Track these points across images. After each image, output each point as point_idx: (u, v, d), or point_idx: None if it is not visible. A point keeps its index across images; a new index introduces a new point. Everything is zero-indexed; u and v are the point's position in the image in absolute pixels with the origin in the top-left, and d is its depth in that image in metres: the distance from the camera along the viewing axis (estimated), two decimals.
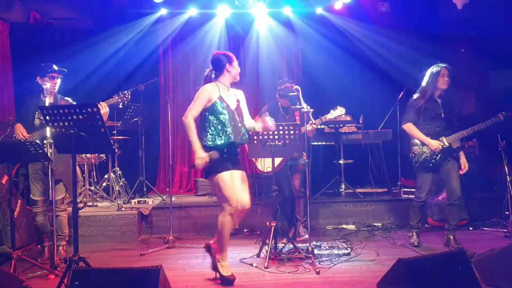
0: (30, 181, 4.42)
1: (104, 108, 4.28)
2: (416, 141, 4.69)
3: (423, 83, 4.73)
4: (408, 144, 4.89)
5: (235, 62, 3.90)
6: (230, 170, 3.71)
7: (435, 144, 4.58)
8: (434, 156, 4.59)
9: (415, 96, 4.76)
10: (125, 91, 4.86)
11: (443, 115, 4.65)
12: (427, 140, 4.62)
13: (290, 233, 5.10)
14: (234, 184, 3.72)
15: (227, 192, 3.68)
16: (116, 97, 4.76)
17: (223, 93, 3.79)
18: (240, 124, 3.81)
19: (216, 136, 3.71)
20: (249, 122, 3.98)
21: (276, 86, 5.30)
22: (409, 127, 4.72)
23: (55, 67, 4.51)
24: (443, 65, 4.65)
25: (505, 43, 6.38)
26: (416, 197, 4.81)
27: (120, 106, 5.25)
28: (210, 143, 3.71)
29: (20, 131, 4.35)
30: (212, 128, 3.73)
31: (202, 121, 3.79)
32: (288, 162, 5.05)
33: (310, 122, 4.81)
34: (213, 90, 3.77)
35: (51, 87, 4.28)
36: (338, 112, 4.93)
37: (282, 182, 5.07)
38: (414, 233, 4.85)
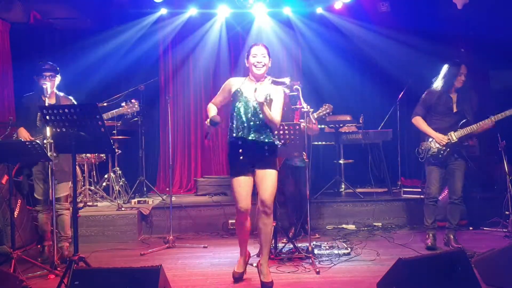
0: (34, 180, 4.43)
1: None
2: (425, 137, 4.66)
3: (439, 79, 4.67)
4: (414, 144, 4.87)
5: (250, 56, 3.67)
6: (241, 175, 3.57)
7: (440, 136, 4.54)
8: (441, 152, 4.55)
9: (428, 91, 4.71)
10: (133, 100, 4.84)
11: (455, 110, 4.60)
12: (433, 133, 4.58)
13: (290, 233, 5.09)
14: (241, 190, 3.58)
15: (234, 196, 3.63)
16: (125, 106, 4.76)
17: (244, 86, 3.65)
18: (258, 122, 3.57)
19: (233, 129, 3.61)
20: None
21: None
22: (417, 120, 4.70)
23: (50, 64, 4.42)
24: (461, 62, 4.58)
25: (506, 43, 6.38)
26: (426, 193, 4.72)
27: (129, 116, 5.24)
28: (229, 136, 3.65)
29: (24, 136, 4.30)
30: (233, 120, 3.63)
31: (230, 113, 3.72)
32: (289, 162, 5.04)
33: (309, 119, 4.82)
34: (235, 81, 3.74)
35: (43, 85, 4.23)
36: (325, 109, 4.91)
37: (284, 182, 5.06)
38: (431, 235, 4.72)
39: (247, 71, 3.80)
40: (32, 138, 4.29)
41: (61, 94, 4.54)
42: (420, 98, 4.77)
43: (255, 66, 3.64)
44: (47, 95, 4.19)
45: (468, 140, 4.65)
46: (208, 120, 3.66)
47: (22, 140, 4.23)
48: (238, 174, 3.59)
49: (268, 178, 3.59)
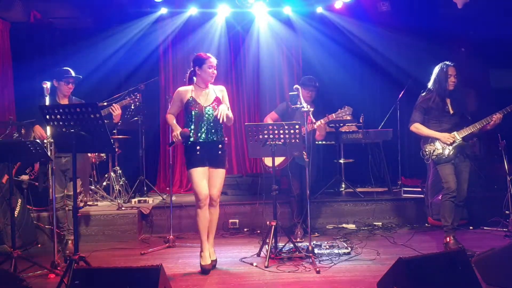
0: (50, 179, 4.46)
1: (117, 110, 4.73)
2: (427, 139, 4.62)
3: (430, 84, 4.64)
4: (414, 144, 4.84)
5: (206, 65, 4.09)
6: (199, 167, 4.01)
7: (446, 135, 4.50)
8: (447, 152, 4.51)
9: (422, 96, 4.67)
10: (136, 93, 5.35)
11: (452, 112, 4.56)
12: (437, 134, 4.53)
13: (299, 232, 5.08)
14: (201, 181, 4.03)
15: (194, 188, 4.07)
16: (128, 98, 5.21)
17: (194, 94, 4.09)
18: (212, 124, 4.05)
19: (191, 133, 4.06)
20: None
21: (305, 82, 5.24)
22: (417, 127, 4.64)
23: (72, 73, 4.69)
24: (450, 64, 4.55)
25: (506, 42, 6.37)
26: (446, 188, 4.53)
27: (132, 107, 5.71)
28: (190, 140, 4.05)
29: (40, 132, 4.54)
30: (190, 127, 4.06)
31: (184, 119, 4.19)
32: (296, 160, 5.05)
33: (313, 125, 4.83)
34: (185, 91, 4.12)
35: (65, 90, 4.61)
36: (345, 111, 4.92)
37: (293, 181, 5.05)
38: (452, 237, 4.47)
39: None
40: (46, 136, 4.39)
41: (73, 97, 4.74)
42: (415, 105, 4.72)
43: (212, 77, 4.14)
44: (47, 94, 4.20)
45: (469, 140, 4.63)
46: (178, 133, 4.02)
47: (38, 139, 4.36)
48: (193, 165, 4.06)
49: (218, 176, 4.15)
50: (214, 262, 4.20)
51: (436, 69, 4.63)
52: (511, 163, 5.30)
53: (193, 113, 4.05)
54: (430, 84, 4.66)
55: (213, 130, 4.06)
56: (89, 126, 3.37)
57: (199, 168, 4.01)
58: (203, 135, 4.03)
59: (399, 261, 3.15)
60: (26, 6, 6.69)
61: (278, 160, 5.03)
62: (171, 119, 4.18)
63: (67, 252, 4.53)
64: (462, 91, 4.68)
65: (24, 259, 4.02)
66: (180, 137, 4.01)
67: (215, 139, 4.06)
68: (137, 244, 5.21)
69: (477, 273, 3.35)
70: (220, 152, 4.09)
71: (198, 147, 4.01)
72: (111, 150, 3.87)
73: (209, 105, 4.07)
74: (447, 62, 4.60)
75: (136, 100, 5.27)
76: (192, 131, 4.03)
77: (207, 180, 4.07)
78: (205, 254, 4.12)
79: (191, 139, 4.03)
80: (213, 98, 4.11)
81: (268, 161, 5.02)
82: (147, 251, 4.80)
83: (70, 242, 4.68)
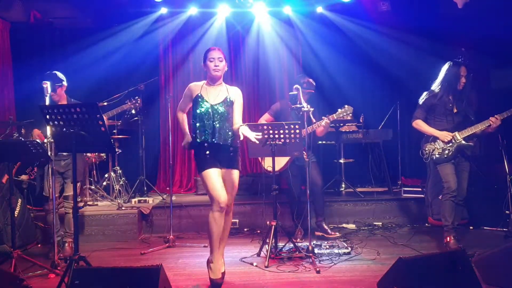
0: (47, 180, 4.45)
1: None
2: (428, 138, 4.62)
3: (439, 80, 4.60)
4: (415, 143, 4.84)
5: (208, 59, 3.81)
6: (212, 168, 3.67)
7: (444, 133, 4.50)
8: (447, 151, 4.51)
9: (428, 94, 4.65)
10: (136, 97, 5.44)
11: (455, 111, 4.55)
12: (436, 132, 4.54)
13: (299, 233, 5.08)
14: (218, 182, 3.65)
15: (210, 192, 3.64)
16: (129, 103, 5.32)
17: (203, 91, 3.83)
18: (221, 124, 3.77)
19: (197, 132, 3.79)
20: (235, 124, 3.88)
21: (297, 81, 5.20)
22: (418, 124, 4.64)
23: (59, 76, 4.61)
24: (462, 64, 4.50)
25: (506, 42, 6.36)
26: (446, 188, 4.53)
27: (133, 112, 5.85)
28: (197, 139, 3.79)
29: (38, 135, 4.54)
30: (196, 125, 3.80)
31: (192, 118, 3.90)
32: (296, 161, 5.05)
33: (319, 123, 4.82)
34: (195, 87, 3.87)
35: (48, 85, 4.42)
36: (345, 110, 4.91)
37: (294, 182, 5.06)
38: (452, 238, 4.47)
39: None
40: (43, 138, 4.38)
41: (72, 99, 4.69)
42: (419, 101, 4.71)
43: (215, 72, 3.81)
44: (47, 94, 4.20)
45: (470, 141, 4.63)
46: (185, 144, 3.89)
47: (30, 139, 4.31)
48: (205, 167, 3.73)
49: (230, 177, 3.80)
50: (223, 275, 3.76)
51: (445, 68, 4.59)
52: (511, 163, 5.30)
53: (198, 111, 3.78)
54: (437, 83, 4.63)
55: (227, 130, 3.78)
56: (89, 126, 3.37)
57: (213, 169, 3.66)
58: (216, 136, 3.73)
59: (399, 261, 3.15)
60: (26, 6, 6.69)
61: (278, 165, 5.01)
62: (183, 121, 3.93)
63: (60, 254, 4.40)
64: (467, 90, 4.65)
65: (24, 259, 4.01)
66: (186, 147, 3.87)
67: (228, 139, 3.77)
68: (137, 244, 5.21)
69: (477, 273, 3.35)
70: (231, 154, 3.79)
71: (207, 152, 3.71)
72: (111, 150, 3.86)
73: (219, 103, 3.79)
74: (459, 61, 4.55)
75: (137, 104, 5.36)
76: (198, 130, 3.77)
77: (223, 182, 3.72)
78: (215, 266, 3.70)
79: (198, 140, 3.76)
80: (223, 97, 3.82)
81: (268, 164, 5.01)
82: (147, 251, 4.80)
83: (67, 244, 4.60)
